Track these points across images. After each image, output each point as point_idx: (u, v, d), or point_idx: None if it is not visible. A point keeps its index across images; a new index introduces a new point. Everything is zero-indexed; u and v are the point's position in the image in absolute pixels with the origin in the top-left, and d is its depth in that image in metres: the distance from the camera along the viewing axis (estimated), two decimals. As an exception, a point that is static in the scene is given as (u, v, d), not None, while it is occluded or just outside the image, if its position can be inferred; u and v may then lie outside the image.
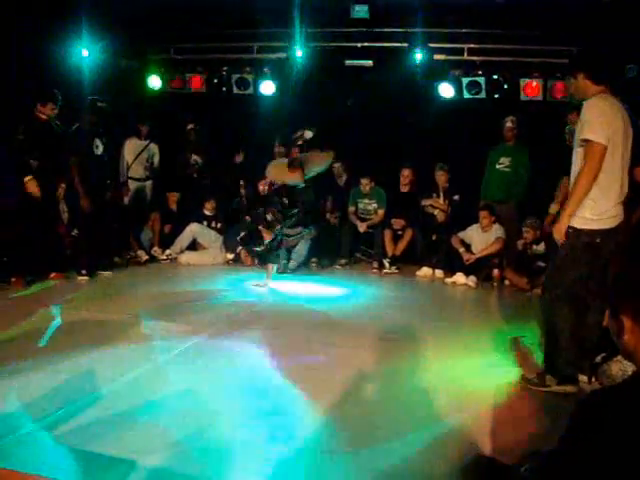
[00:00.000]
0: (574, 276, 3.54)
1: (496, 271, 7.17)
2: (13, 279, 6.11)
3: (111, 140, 7.08)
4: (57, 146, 6.42)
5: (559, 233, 3.55)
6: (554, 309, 3.62)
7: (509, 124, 7.56)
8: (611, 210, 3.47)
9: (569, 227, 3.50)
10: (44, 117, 6.33)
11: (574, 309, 3.58)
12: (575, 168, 3.53)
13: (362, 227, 8.10)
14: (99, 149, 6.83)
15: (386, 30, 7.79)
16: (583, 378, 3.68)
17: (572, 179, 3.56)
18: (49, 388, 3.47)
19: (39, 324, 4.84)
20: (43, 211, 6.31)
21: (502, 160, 7.62)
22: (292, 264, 7.54)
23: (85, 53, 7.89)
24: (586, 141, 3.39)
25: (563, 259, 3.55)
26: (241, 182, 8.49)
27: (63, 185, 6.63)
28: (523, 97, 7.79)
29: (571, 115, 6.11)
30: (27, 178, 6.10)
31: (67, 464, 2.62)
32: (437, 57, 7.85)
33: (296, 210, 6.45)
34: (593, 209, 3.45)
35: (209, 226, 8.20)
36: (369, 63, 8.04)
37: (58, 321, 5.05)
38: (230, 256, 8.01)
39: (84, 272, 6.58)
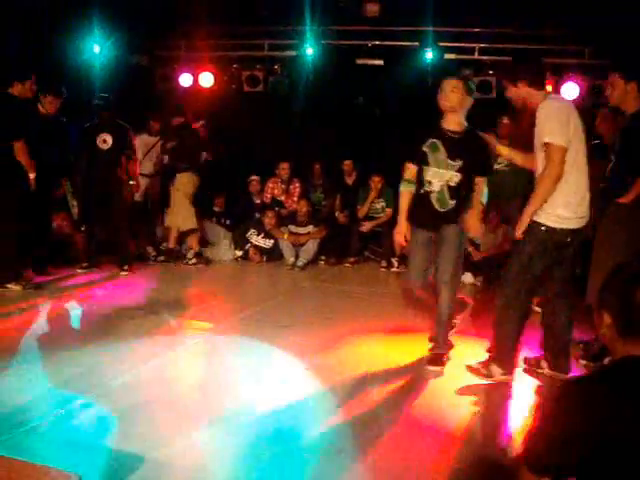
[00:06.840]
0: (539, 271, 3.55)
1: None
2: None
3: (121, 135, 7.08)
4: (61, 142, 6.43)
5: (520, 231, 3.55)
6: (510, 308, 3.61)
7: (505, 121, 7.53)
8: (583, 210, 3.50)
9: (541, 225, 3.48)
10: (45, 111, 6.26)
11: (523, 313, 3.64)
12: (539, 172, 3.50)
13: (365, 226, 8.08)
14: (107, 143, 6.83)
15: (397, 29, 7.79)
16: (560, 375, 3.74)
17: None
18: (57, 381, 3.51)
19: (48, 318, 4.88)
20: (45, 206, 6.32)
21: (500, 159, 7.57)
22: (301, 262, 7.57)
23: (96, 49, 7.92)
24: (547, 145, 3.37)
25: (530, 254, 3.52)
26: (250, 179, 8.51)
27: (66, 182, 6.64)
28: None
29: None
30: (32, 176, 6.02)
31: (75, 457, 2.65)
32: (448, 56, 7.84)
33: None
34: (567, 207, 3.44)
35: (218, 223, 8.22)
36: (380, 62, 8.04)
37: (66, 315, 5.09)
38: (239, 253, 8.03)
39: (85, 265, 6.66)
